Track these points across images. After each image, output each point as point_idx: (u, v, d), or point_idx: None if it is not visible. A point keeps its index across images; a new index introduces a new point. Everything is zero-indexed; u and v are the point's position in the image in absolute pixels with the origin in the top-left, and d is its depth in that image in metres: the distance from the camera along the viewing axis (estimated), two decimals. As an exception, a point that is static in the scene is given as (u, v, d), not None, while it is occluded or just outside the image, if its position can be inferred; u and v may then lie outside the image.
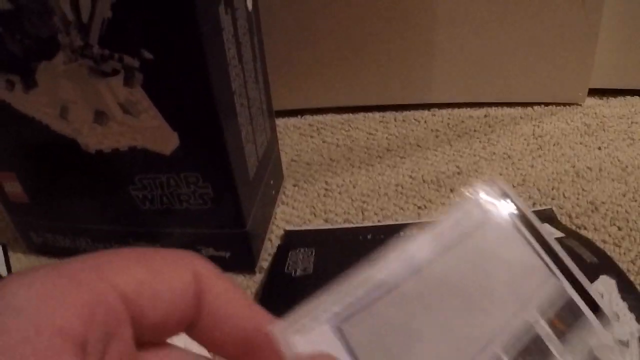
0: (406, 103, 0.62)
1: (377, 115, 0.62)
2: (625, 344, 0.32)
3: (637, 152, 0.60)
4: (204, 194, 0.38)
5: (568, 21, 0.60)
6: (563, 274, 0.20)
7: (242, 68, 0.39)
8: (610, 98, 0.72)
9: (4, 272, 0.40)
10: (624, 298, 0.34)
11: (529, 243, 0.21)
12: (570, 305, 0.20)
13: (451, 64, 0.61)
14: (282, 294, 0.37)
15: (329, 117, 0.63)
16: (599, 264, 0.38)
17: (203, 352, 0.17)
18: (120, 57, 0.33)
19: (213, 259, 0.40)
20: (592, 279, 0.36)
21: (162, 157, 0.36)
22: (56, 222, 0.46)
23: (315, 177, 0.54)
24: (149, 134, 0.35)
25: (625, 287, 0.35)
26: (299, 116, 0.63)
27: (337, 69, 0.61)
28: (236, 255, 0.42)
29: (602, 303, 0.20)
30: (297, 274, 0.39)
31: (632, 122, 0.66)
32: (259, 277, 0.42)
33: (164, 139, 0.35)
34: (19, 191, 0.45)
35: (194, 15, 0.31)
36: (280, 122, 0.62)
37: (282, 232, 0.46)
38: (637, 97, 0.73)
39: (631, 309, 0.34)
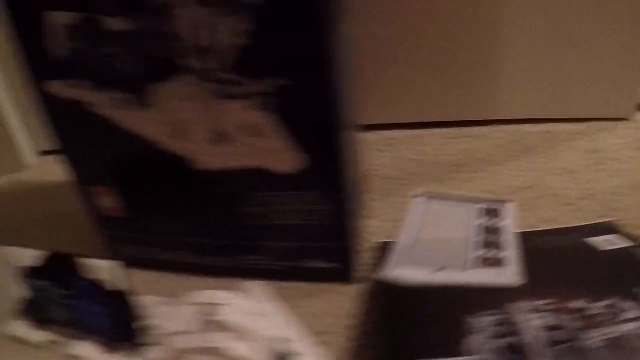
0: (470, 119, 0.61)
1: (444, 130, 0.61)
2: None
3: None
4: (318, 210, 0.37)
5: (617, 42, 0.59)
6: None
7: (349, 81, 0.38)
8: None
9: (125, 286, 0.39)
10: None
11: None
12: None
13: (512, 82, 0.60)
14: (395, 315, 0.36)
15: (399, 133, 0.62)
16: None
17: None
18: (251, 82, 0.32)
19: (313, 270, 0.39)
20: None
21: (280, 176, 0.35)
22: (153, 236, 0.45)
23: (391, 191, 0.53)
24: (270, 154, 0.34)
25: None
26: (371, 131, 0.62)
27: (406, 87, 0.60)
28: (336, 267, 0.41)
29: None
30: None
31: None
32: (354, 287, 0.42)
33: (284, 160, 0.34)
34: (117, 206, 0.44)
35: (326, 46, 0.30)
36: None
37: (368, 244, 0.46)
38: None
39: None
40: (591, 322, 0.32)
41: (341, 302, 0.40)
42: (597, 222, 0.47)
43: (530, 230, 0.45)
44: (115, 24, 0.33)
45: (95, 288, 0.38)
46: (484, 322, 0.32)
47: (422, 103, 0.60)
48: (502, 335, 0.32)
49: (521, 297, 0.34)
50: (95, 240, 0.56)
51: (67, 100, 0.37)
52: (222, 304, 0.35)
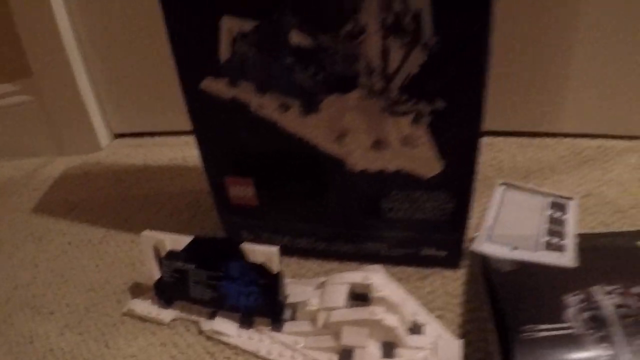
0: (538, 130, 0.74)
1: (513, 140, 0.73)
2: None
3: None
4: (445, 208, 0.48)
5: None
6: None
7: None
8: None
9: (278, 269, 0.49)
10: None
11: None
12: None
13: (574, 100, 0.72)
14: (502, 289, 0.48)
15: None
16: None
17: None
18: (416, 103, 0.43)
19: (431, 257, 0.51)
20: None
21: (421, 179, 0.47)
22: (282, 224, 0.55)
23: (478, 191, 0.65)
24: (419, 161, 0.46)
25: None
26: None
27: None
28: (450, 255, 0.53)
29: None
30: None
31: None
32: (461, 271, 0.53)
33: (428, 166, 0.46)
34: (251, 195, 0.54)
35: (479, 80, 0.41)
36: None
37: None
38: None
39: None
40: None
41: (450, 283, 0.52)
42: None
43: (590, 230, 0.58)
44: (299, 39, 0.43)
45: (250, 270, 0.48)
46: (573, 298, 0.44)
47: (498, 113, 0.72)
48: (588, 309, 0.43)
49: (595, 281, 0.46)
50: (196, 224, 0.66)
51: (227, 98, 0.47)
52: (374, 283, 0.46)
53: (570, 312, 0.44)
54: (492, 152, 0.71)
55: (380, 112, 0.44)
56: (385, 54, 0.41)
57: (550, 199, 0.61)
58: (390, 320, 0.44)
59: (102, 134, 0.87)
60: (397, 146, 0.45)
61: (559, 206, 0.61)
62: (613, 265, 0.51)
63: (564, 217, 0.59)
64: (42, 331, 0.55)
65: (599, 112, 0.73)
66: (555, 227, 0.57)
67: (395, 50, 0.41)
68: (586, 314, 0.43)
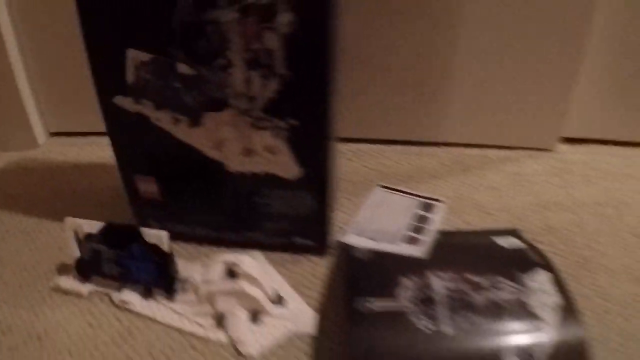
0: (423, 140, 0.90)
1: (401, 148, 0.89)
2: (549, 307, 0.59)
3: (591, 191, 0.87)
4: (308, 204, 0.64)
5: (543, 85, 0.88)
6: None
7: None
8: (577, 145, 1.00)
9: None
10: (552, 283, 0.62)
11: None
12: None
13: (458, 112, 0.89)
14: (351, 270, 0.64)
15: (365, 146, 0.91)
16: (541, 263, 0.65)
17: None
18: (274, 120, 0.58)
19: (302, 245, 0.66)
20: (534, 269, 0.63)
21: (285, 180, 0.62)
22: (180, 215, 0.71)
23: (356, 192, 0.81)
24: (280, 166, 0.61)
25: (555, 279, 0.62)
26: (344, 143, 0.90)
27: (375, 110, 0.88)
28: (316, 244, 0.68)
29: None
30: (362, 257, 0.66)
31: (591, 167, 0.94)
32: (326, 259, 0.69)
33: (290, 170, 0.61)
34: (155, 191, 0.70)
35: (326, 104, 0.57)
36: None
37: (337, 228, 0.73)
38: (600, 145, 1.01)
39: (556, 290, 0.61)
40: (476, 287, 0.60)
41: (317, 268, 0.68)
42: (505, 228, 0.75)
43: (453, 229, 0.74)
44: (184, 69, 0.58)
45: (147, 250, 0.64)
46: (409, 281, 0.60)
47: (387, 123, 0.89)
48: (420, 290, 0.59)
49: (434, 268, 0.62)
50: (116, 214, 0.80)
51: (132, 112, 0.63)
52: (242, 262, 0.61)
53: (404, 291, 0.59)
54: (378, 159, 0.87)
55: (248, 126, 0.59)
56: (248, 82, 0.57)
57: (420, 201, 0.78)
58: (253, 291, 0.60)
59: (39, 133, 1.01)
60: (263, 153, 0.61)
61: (427, 206, 0.77)
62: (459, 256, 0.66)
63: (430, 216, 0.75)
64: (-22, 305, 0.69)
65: (481, 124, 0.90)
66: (419, 224, 0.73)
67: (255, 80, 0.56)
68: (418, 294, 0.59)
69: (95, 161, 0.95)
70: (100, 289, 0.68)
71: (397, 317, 0.56)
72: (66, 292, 0.68)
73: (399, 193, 0.79)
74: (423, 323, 0.55)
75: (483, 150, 0.90)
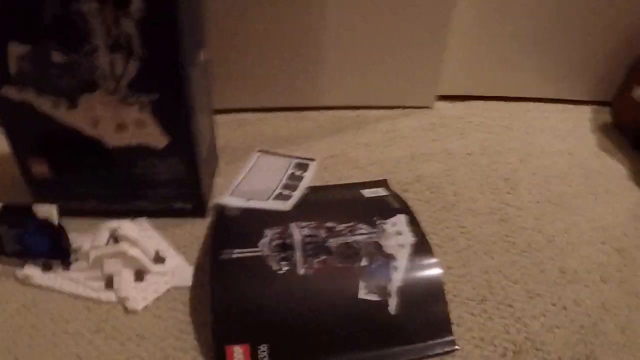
0: (302, 105, 1.04)
1: (282, 114, 1.03)
2: (403, 246, 0.73)
3: (463, 142, 1.02)
4: (180, 170, 0.77)
5: (419, 44, 1.03)
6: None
7: (201, 88, 0.78)
8: (456, 102, 1.15)
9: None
10: (408, 226, 0.76)
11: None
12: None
13: (335, 76, 1.03)
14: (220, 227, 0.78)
15: (247, 115, 1.04)
16: (400, 209, 0.80)
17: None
18: (139, 96, 0.71)
19: (182, 209, 0.80)
20: (394, 214, 0.78)
21: (156, 150, 0.75)
22: (71, 190, 0.83)
23: (237, 158, 0.94)
24: (150, 137, 0.74)
25: (410, 220, 0.77)
26: (226, 114, 1.04)
27: (255, 80, 1.02)
28: (195, 207, 0.81)
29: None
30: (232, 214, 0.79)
31: (466, 122, 1.09)
32: (207, 220, 0.82)
33: (159, 140, 0.74)
34: (45, 170, 0.82)
35: (181, 77, 0.70)
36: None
37: (218, 192, 0.87)
38: (477, 101, 1.17)
39: (411, 231, 0.75)
40: (334, 233, 0.74)
41: (197, 228, 0.81)
42: (373, 180, 0.90)
43: (325, 184, 0.88)
44: (58, 57, 0.70)
45: (40, 225, 0.76)
46: (271, 232, 0.74)
47: (267, 92, 1.02)
48: (280, 239, 0.73)
49: (296, 219, 0.76)
50: (18, 196, 0.91)
51: (18, 100, 0.75)
52: (122, 226, 0.74)
53: (266, 241, 0.73)
54: (259, 126, 1.01)
55: (117, 104, 0.71)
56: (112, 64, 0.69)
57: (295, 161, 0.91)
58: (133, 251, 0.72)
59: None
60: (133, 127, 0.73)
61: (301, 166, 0.91)
62: (323, 208, 0.80)
63: (303, 174, 0.89)
64: None
65: (358, 86, 1.04)
66: (292, 182, 0.87)
67: (118, 62, 0.69)
68: (277, 242, 0.72)
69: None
70: (5, 267, 0.78)
71: (255, 262, 0.69)
72: None
73: (275, 155, 0.92)
74: (279, 266, 0.69)
75: (361, 112, 1.05)
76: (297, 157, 0.92)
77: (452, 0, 0.98)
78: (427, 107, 1.10)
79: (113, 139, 0.75)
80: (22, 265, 0.77)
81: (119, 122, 0.73)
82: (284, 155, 0.92)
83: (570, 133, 1.10)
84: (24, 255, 0.78)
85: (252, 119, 1.05)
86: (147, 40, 0.67)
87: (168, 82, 0.70)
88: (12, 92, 0.73)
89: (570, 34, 1.09)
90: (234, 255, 0.70)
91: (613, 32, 1.08)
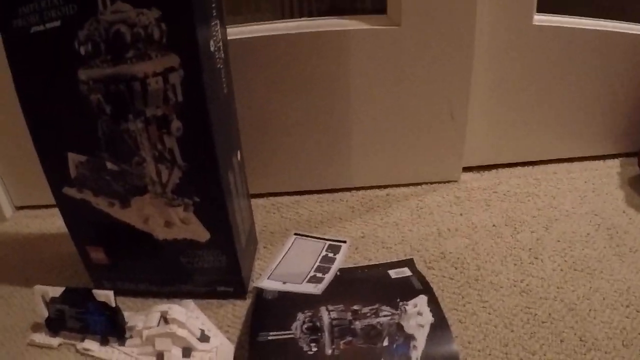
0: (334, 187, 1.17)
1: (316, 196, 1.16)
2: (423, 326, 0.84)
3: (488, 214, 1.11)
4: (222, 259, 0.90)
5: (443, 126, 1.15)
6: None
7: (237, 185, 0.92)
8: (483, 172, 1.25)
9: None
10: (428, 305, 0.87)
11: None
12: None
13: (363, 159, 1.15)
14: (258, 309, 0.90)
15: (283, 199, 1.17)
16: (422, 289, 0.90)
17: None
18: (182, 199, 0.85)
19: (224, 292, 0.93)
20: (416, 295, 0.88)
21: (200, 243, 0.88)
22: (125, 274, 0.97)
23: (275, 241, 1.07)
24: (194, 232, 0.87)
25: (432, 299, 0.88)
26: (263, 198, 1.17)
27: (288, 166, 1.16)
28: (236, 290, 0.94)
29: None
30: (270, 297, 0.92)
31: (491, 192, 1.19)
32: (247, 302, 0.95)
33: (202, 235, 0.87)
34: (102, 257, 0.96)
35: (218, 183, 0.83)
36: (252, 202, 1.15)
37: (257, 274, 0.99)
38: (503, 168, 1.27)
39: (430, 311, 0.86)
40: (359, 316, 0.85)
41: (238, 309, 0.93)
42: (400, 260, 1.01)
43: (353, 265, 1.00)
44: (111, 166, 0.85)
45: (98, 305, 0.90)
46: (303, 315, 0.86)
47: (301, 177, 1.16)
48: (310, 321, 0.85)
49: (325, 303, 0.88)
50: (77, 276, 1.05)
51: (78, 198, 0.89)
52: (172, 310, 0.88)
53: (298, 324, 0.85)
54: (295, 209, 1.13)
55: (164, 205, 0.85)
56: (159, 173, 0.83)
57: (328, 243, 1.04)
58: (181, 332, 0.85)
59: (6, 207, 1.28)
60: (179, 224, 0.87)
61: (333, 248, 1.03)
62: (351, 290, 0.92)
63: (335, 256, 1.01)
64: (-37, 364, 0.94)
65: (386, 166, 1.16)
66: (324, 265, 0.99)
67: (163, 171, 0.82)
68: (308, 324, 0.84)
69: (56, 231, 1.21)
70: (67, 341, 0.92)
71: (288, 344, 0.81)
72: (40, 346, 0.92)
73: (310, 238, 1.05)
74: (309, 347, 0.80)
75: (390, 190, 1.17)
76: (330, 240, 1.04)
77: (468, 78, 1.09)
78: (453, 181, 1.20)
79: (162, 233, 0.89)
80: (82, 340, 0.91)
81: (167, 220, 0.87)
82: (318, 238, 1.04)
83: (597, 191, 1.16)
84: (84, 331, 0.91)
85: (288, 202, 1.18)
86: (186, 153, 0.80)
87: (207, 188, 0.83)
88: (72, 192, 0.88)
89: (591, 91, 1.18)
90: (270, 338, 0.82)
91: (632, 83, 1.17)
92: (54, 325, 0.93)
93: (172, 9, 0.71)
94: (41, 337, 0.93)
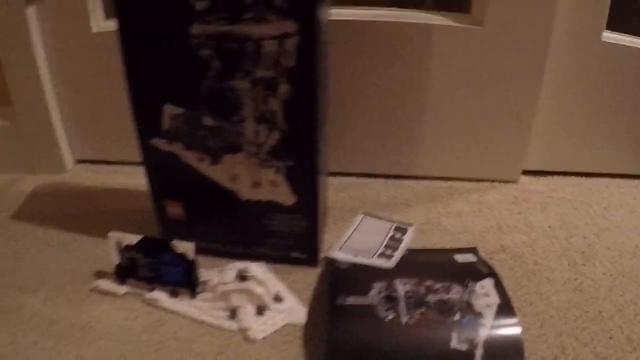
0: (400, 174, 1.23)
1: (382, 180, 1.22)
2: (490, 306, 0.89)
3: (545, 216, 1.17)
4: (302, 225, 0.95)
5: (509, 129, 1.21)
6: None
7: (324, 157, 0.97)
8: (540, 177, 1.31)
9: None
10: (495, 288, 0.93)
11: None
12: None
13: (430, 151, 1.21)
14: (334, 276, 0.96)
15: (352, 179, 1.24)
16: (488, 273, 0.96)
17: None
18: (276, 161, 0.90)
19: (297, 258, 0.99)
20: (483, 278, 0.94)
21: (284, 206, 0.94)
22: (200, 232, 1.02)
23: (343, 218, 1.13)
24: (281, 195, 0.92)
25: (497, 284, 0.93)
26: (333, 176, 1.24)
27: (360, 149, 1.22)
28: (308, 257, 0.99)
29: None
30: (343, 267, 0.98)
31: (547, 196, 1.24)
32: (317, 270, 1.00)
33: (288, 198, 0.92)
34: (180, 212, 1.01)
35: (314, 150, 0.89)
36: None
37: (327, 246, 1.05)
38: (559, 176, 1.32)
39: (497, 293, 0.91)
40: (432, 291, 0.90)
41: (309, 276, 0.98)
42: (463, 247, 1.07)
43: (422, 247, 1.05)
44: (209, 121, 0.90)
45: (174, 257, 0.95)
46: (378, 285, 0.91)
47: (370, 160, 1.22)
48: (386, 291, 0.90)
49: (398, 276, 0.93)
50: (141, 231, 1.09)
51: (166, 151, 0.94)
52: (251, 268, 0.93)
53: (374, 292, 0.90)
54: (363, 190, 1.19)
55: (256, 165, 0.91)
56: (257, 133, 0.88)
57: (395, 224, 1.09)
58: (258, 290, 0.91)
59: (68, 159, 1.32)
60: (267, 186, 0.92)
61: (400, 230, 1.08)
62: (421, 268, 0.97)
63: (402, 237, 1.07)
64: (28, 303, 0.94)
65: (451, 160, 1.22)
66: (392, 244, 1.04)
67: (262, 132, 0.88)
68: (384, 294, 0.90)
69: (119, 187, 1.25)
70: (134, 290, 0.96)
71: (366, 309, 0.86)
72: (104, 293, 0.96)
73: (378, 219, 1.11)
74: (385, 314, 0.86)
75: (453, 183, 1.23)
76: (397, 222, 1.10)
77: (539, 85, 1.15)
78: (512, 182, 1.26)
79: (247, 193, 0.94)
80: (151, 290, 0.96)
81: (255, 180, 0.92)
82: (385, 219, 1.10)
83: (646, 209, 1.21)
84: (154, 281, 0.96)
85: (356, 183, 1.24)
86: (289, 117, 0.86)
87: (303, 152, 0.89)
88: (161, 144, 0.93)
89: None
90: (348, 302, 0.87)
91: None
92: (123, 272, 0.97)
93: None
94: (107, 284, 0.97)
